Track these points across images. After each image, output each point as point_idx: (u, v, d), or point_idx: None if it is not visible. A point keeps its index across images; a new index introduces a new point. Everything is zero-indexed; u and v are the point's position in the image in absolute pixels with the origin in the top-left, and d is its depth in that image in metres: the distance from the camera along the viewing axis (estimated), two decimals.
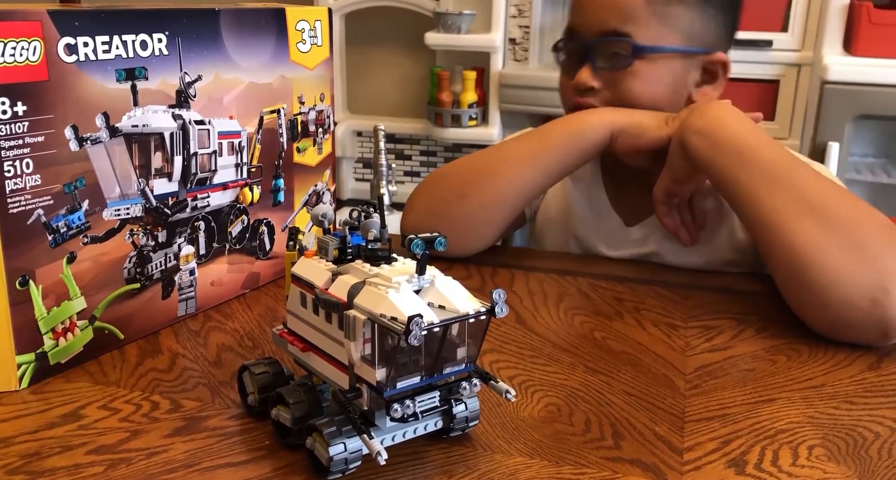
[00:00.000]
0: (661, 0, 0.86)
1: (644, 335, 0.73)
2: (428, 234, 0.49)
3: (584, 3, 0.90)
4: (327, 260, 0.52)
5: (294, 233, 0.58)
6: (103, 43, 0.62)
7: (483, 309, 0.47)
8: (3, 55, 0.55)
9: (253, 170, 0.78)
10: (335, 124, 0.90)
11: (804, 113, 2.02)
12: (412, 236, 0.48)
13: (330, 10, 0.86)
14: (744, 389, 0.63)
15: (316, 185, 0.87)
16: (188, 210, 0.72)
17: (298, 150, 0.83)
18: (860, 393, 0.63)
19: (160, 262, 0.70)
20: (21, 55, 0.56)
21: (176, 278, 0.72)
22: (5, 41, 0.55)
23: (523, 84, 2.14)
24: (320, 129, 0.86)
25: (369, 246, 0.51)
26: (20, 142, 0.57)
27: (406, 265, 0.50)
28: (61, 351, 0.63)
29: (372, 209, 0.54)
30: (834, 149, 1.85)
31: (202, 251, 0.74)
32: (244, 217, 0.78)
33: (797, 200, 0.72)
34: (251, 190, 0.78)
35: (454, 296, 0.48)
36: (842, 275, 0.68)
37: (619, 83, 0.87)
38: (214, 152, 0.73)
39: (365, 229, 0.51)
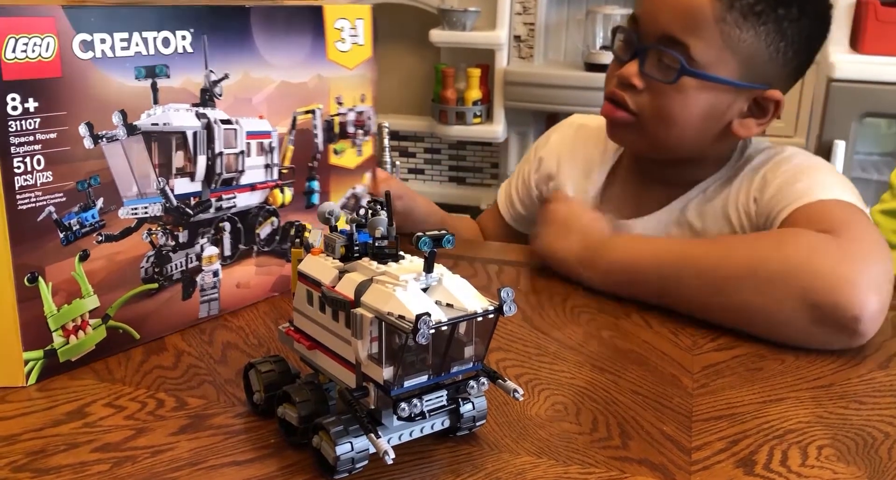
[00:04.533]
0: (734, 21, 0.79)
1: (651, 333, 0.72)
2: (436, 232, 0.48)
3: None
4: (334, 258, 0.52)
5: (300, 230, 0.58)
6: (122, 40, 0.61)
7: (491, 308, 0.47)
8: (14, 51, 0.55)
9: (284, 171, 0.75)
10: (377, 126, 0.87)
11: (810, 111, 2.02)
12: (420, 233, 0.48)
13: (373, 9, 0.82)
14: (752, 388, 0.63)
15: (354, 188, 0.83)
16: (212, 210, 0.70)
17: (335, 152, 0.80)
18: (869, 393, 0.63)
19: (181, 263, 0.69)
20: (33, 51, 0.56)
21: (198, 279, 0.71)
22: (17, 37, 0.55)
23: (528, 81, 2.14)
24: (360, 131, 0.83)
25: (376, 244, 0.51)
26: (31, 138, 0.57)
27: (413, 263, 0.50)
28: (72, 349, 0.62)
29: (379, 206, 0.53)
30: (840, 147, 1.85)
31: (227, 252, 0.72)
32: (274, 219, 0.76)
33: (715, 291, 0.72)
34: (282, 191, 0.76)
35: (462, 295, 0.47)
36: (795, 322, 0.69)
37: (660, 94, 0.83)
38: (242, 152, 0.71)
39: (372, 226, 0.51)
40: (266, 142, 0.73)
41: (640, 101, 0.85)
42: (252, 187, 0.73)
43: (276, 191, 0.75)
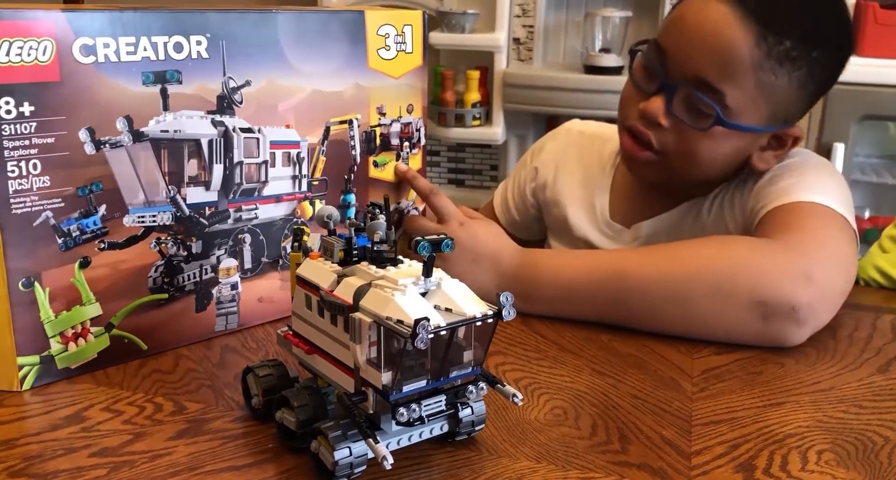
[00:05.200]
0: (770, 68, 0.77)
1: (650, 337, 0.72)
2: (434, 236, 0.48)
3: (686, 32, 0.79)
4: (332, 262, 0.52)
5: (299, 234, 0.57)
6: (128, 44, 0.60)
7: (490, 312, 0.47)
8: (7, 54, 0.55)
9: (315, 183, 0.73)
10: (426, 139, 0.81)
11: (809, 113, 2.01)
12: (419, 238, 0.47)
13: (425, 14, 0.79)
14: (751, 392, 0.63)
15: (399, 203, 0.81)
16: (230, 221, 0.68)
17: (376, 165, 0.77)
18: (869, 397, 0.63)
19: (194, 274, 0.67)
20: (29, 55, 0.55)
21: (214, 291, 0.69)
22: (11, 40, 0.55)
23: (527, 84, 2.14)
24: (406, 143, 0.79)
25: (375, 248, 0.51)
26: (26, 142, 0.56)
27: (412, 267, 0.49)
28: (71, 356, 0.62)
29: (378, 210, 0.53)
30: (839, 149, 1.85)
31: (248, 265, 0.70)
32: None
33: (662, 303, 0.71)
34: (312, 204, 0.73)
35: (461, 299, 0.47)
36: (741, 328, 0.70)
37: (687, 136, 0.81)
38: (265, 162, 0.69)
39: (371, 230, 0.51)
40: (293, 152, 0.71)
41: (664, 140, 0.82)
42: (277, 199, 0.71)
43: (306, 203, 0.73)
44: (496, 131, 2.23)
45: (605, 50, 2.11)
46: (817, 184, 0.81)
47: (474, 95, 2.23)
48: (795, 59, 0.78)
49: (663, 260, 0.72)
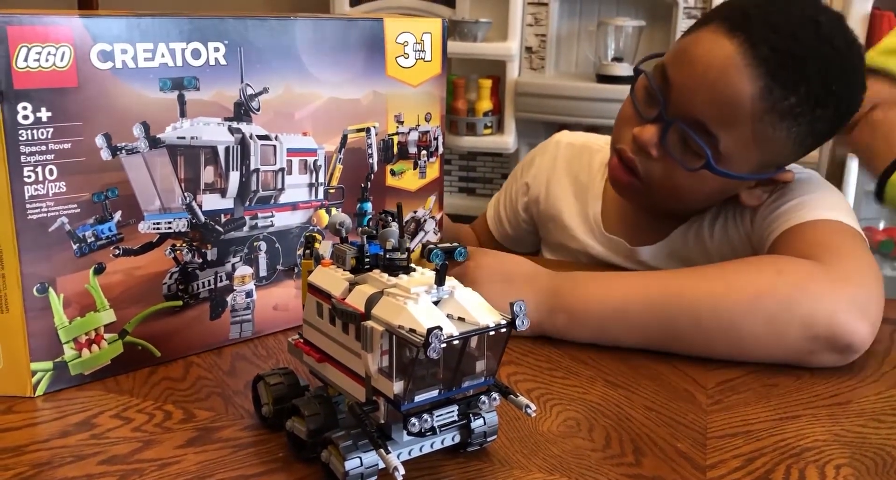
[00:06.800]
0: (770, 122, 0.75)
1: None
2: (448, 244, 0.48)
3: (694, 73, 0.76)
4: (344, 270, 0.51)
5: (310, 241, 0.57)
6: (145, 50, 0.60)
7: (504, 322, 0.46)
8: (26, 60, 0.55)
9: (332, 191, 0.73)
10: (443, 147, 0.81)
11: None
12: (432, 246, 0.47)
13: (444, 22, 0.78)
14: (767, 405, 0.62)
15: (416, 212, 0.80)
16: (246, 229, 0.68)
17: (393, 173, 0.77)
18: (888, 411, 0.62)
19: (209, 281, 0.67)
20: (47, 60, 0.56)
21: (228, 299, 0.69)
22: (30, 46, 0.55)
23: (539, 92, 2.14)
24: (424, 152, 0.79)
25: (387, 256, 0.50)
26: (43, 147, 0.56)
27: (425, 275, 0.49)
28: (85, 363, 0.62)
29: (390, 218, 0.53)
30: (854, 161, 1.83)
31: (263, 273, 0.70)
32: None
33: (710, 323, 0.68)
34: (328, 212, 0.73)
35: (474, 308, 0.47)
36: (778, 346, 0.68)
37: (674, 171, 0.79)
38: (282, 170, 0.69)
39: (383, 238, 0.50)
40: (310, 160, 0.70)
41: (651, 168, 0.81)
42: (293, 206, 0.70)
43: (322, 211, 0.72)
44: (507, 140, 2.23)
45: (617, 59, 2.11)
46: (826, 200, 0.80)
47: (486, 104, 2.23)
48: (798, 115, 0.76)
49: (717, 286, 0.69)
